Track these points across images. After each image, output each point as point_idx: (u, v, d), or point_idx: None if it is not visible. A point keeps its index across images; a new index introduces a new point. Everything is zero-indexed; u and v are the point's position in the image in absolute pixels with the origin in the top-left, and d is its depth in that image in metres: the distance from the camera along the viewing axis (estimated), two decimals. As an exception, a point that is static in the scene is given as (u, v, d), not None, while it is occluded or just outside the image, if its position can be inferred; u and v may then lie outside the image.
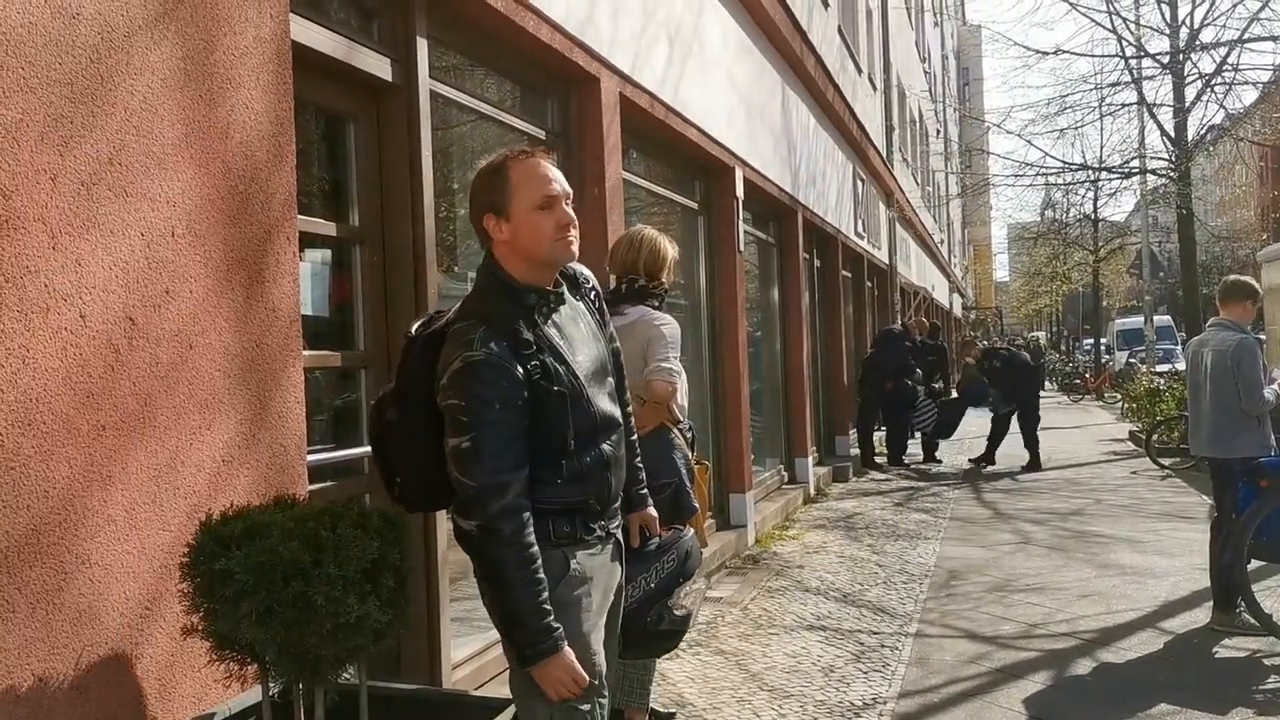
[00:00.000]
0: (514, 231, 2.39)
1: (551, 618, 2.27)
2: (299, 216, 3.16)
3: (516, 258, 2.41)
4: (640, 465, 2.81)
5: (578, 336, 2.48)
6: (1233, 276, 6.09)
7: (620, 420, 2.57)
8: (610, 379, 2.58)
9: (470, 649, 4.29)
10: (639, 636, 2.82)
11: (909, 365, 13.30)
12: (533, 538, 2.28)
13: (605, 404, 2.50)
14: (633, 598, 2.76)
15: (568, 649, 2.28)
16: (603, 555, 2.51)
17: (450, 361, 2.30)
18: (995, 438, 13.36)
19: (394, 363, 3.51)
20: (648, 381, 3.81)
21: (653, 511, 2.87)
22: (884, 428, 13.87)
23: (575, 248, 2.45)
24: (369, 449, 3.03)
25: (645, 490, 2.84)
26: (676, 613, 2.86)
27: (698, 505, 3.95)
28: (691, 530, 3.08)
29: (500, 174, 2.40)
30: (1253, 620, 5.36)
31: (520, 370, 2.30)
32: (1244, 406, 5.49)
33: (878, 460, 13.43)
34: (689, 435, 4.04)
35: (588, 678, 2.32)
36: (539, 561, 2.28)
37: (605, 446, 2.48)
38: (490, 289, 2.41)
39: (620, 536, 2.63)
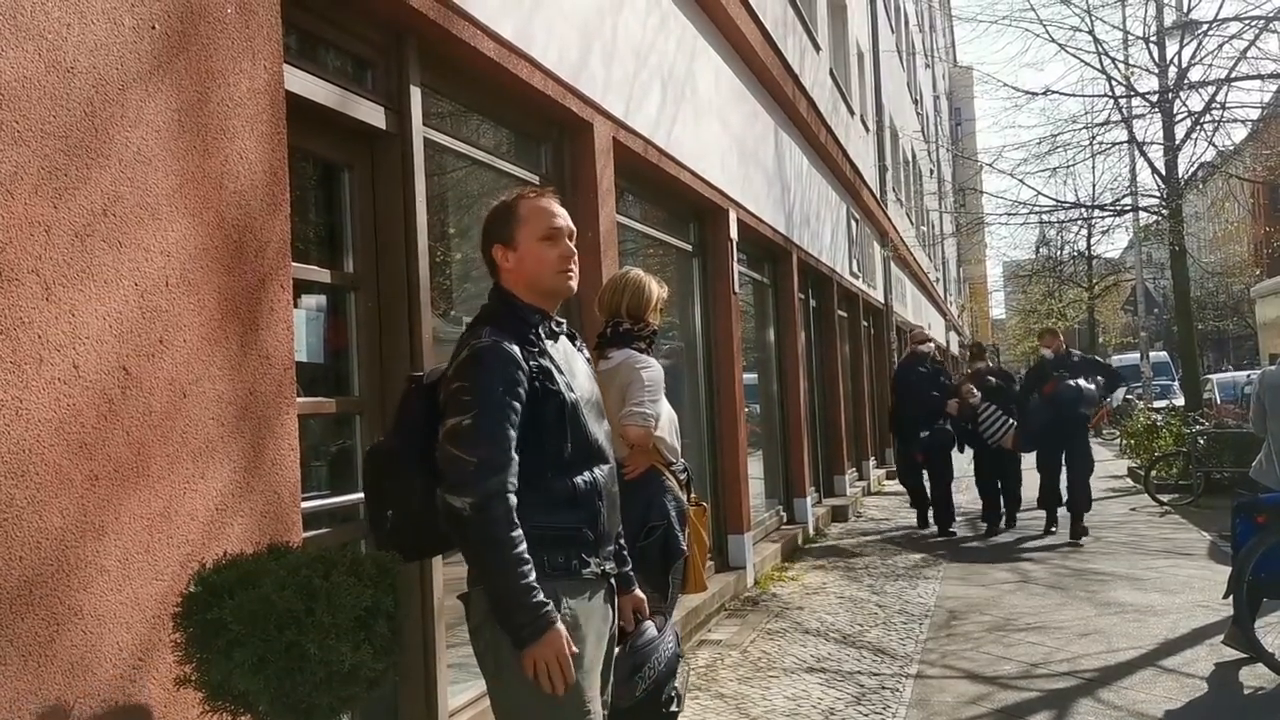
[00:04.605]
0: (519, 260, 2.54)
1: (541, 595, 2.29)
2: (293, 264, 3.18)
3: (522, 285, 2.55)
4: (621, 533, 2.82)
5: (576, 369, 2.58)
6: None
7: (613, 459, 2.63)
8: (604, 420, 2.64)
9: (467, 695, 4.25)
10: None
11: (931, 400, 10.79)
12: (517, 521, 2.30)
13: (600, 434, 2.56)
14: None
15: (560, 626, 2.31)
16: (596, 600, 2.51)
17: (458, 354, 2.42)
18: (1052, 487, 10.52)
19: (389, 409, 3.55)
20: (622, 425, 3.81)
21: (640, 594, 2.95)
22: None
23: (574, 283, 2.59)
24: (362, 494, 3.05)
25: (631, 570, 2.88)
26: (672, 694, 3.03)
27: (685, 549, 3.94)
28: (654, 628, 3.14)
29: (511, 209, 2.58)
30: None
31: (526, 365, 2.40)
32: None
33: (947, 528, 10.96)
34: (682, 477, 4.03)
35: (573, 667, 2.32)
36: (525, 545, 2.30)
37: (599, 474, 2.52)
38: (497, 309, 2.55)
39: (613, 582, 2.64)
